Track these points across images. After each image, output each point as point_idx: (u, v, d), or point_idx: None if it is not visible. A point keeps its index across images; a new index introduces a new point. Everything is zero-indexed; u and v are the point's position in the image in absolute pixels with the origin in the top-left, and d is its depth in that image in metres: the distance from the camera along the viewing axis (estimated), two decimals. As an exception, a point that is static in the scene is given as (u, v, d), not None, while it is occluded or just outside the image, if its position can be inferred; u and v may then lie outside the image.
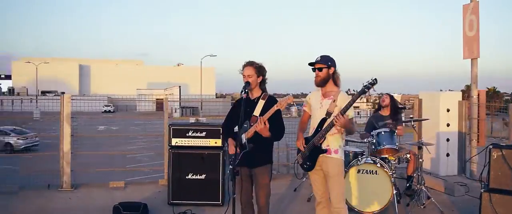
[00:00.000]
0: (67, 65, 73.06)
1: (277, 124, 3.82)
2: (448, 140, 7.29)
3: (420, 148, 5.66)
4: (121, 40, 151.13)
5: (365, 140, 5.54)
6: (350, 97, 3.67)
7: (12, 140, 18.88)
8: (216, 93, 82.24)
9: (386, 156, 5.56)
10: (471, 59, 7.39)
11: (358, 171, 5.17)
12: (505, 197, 3.79)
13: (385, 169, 5.13)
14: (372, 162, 5.18)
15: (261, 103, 3.90)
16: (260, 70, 3.96)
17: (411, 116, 6.58)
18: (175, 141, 5.49)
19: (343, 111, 3.53)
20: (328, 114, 3.70)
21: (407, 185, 5.92)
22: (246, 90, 3.86)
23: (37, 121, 20.16)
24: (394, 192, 5.11)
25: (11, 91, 63.32)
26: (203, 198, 5.43)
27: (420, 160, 5.56)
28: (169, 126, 5.59)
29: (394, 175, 5.66)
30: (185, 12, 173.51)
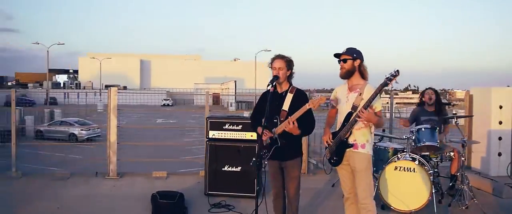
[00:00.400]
0: (129, 61, 76.76)
1: (307, 121, 3.83)
2: (500, 138, 6.87)
3: (464, 146, 5.39)
4: (179, 36, 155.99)
5: (405, 137, 5.35)
6: (369, 89, 3.62)
7: (76, 130, 20.19)
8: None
9: (427, 153, 5.39)
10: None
11: (395, 168, 5.03)
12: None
13: (424, 167, 4.95)
14: (411, 159, 5.02)
15: (289, 97, 3.93)
16: (289, 63, 3.99)
17: (454, 112, 6.28)
18: (212, 134, 5.65)
19: (366, 105, 3.47)
20: (354, 108, 3.63)
21: (450, 184, 5.66)
22: (274, 83, 3.92)
23: (101, 113, 21.50)
24: (434, 191, 4.93)
25: (77, 85, 67.53)
26: (238, 190, 5.55)
27: (462, 158, 5.29)
28: (206, 119, 5.76)
29: (437, 174, 5.49)
30: (242, 6, 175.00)
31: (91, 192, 5.82)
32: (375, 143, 5.76)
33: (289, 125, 3.69)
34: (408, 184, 4.96)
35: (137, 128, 11.42)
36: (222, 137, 5.62)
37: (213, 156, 5.62)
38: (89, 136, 20.33)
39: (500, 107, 6.86)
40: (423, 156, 5.29)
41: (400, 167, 5.02)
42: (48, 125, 21.18)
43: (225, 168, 5.58)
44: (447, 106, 6.23)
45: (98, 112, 23.30)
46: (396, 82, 3.41)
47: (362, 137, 3.71)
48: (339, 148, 3.76)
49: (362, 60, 3.76)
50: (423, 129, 5.32)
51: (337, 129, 3.80)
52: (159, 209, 4.96)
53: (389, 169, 5.05)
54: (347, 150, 3.73)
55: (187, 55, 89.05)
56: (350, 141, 3.70)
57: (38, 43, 45.15)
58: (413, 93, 58.56)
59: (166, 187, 5.68)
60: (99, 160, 7.47)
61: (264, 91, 4.15)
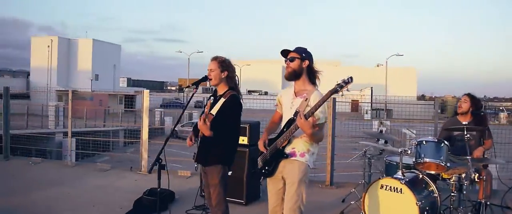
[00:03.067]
0: (271, 67, 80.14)
1: (222, 124, 3.62)
2: None
3: (485, 166, 4.27)
4: (321, 43, 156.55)
5: (400, 150, 4.47)
6: (317, 95, 3.19)
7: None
8: (417, 95, 76.82)
9: (433, 171, 4.43)
10: None
11: (381, 187, 4.27)
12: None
13: (414, 188, 4.08)
14: (399, 177, 4.19)
15: (221, 101, 3.74)
16: (222, 64, 3.79)
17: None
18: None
19: (310, 112, 3.03)
20: (297, 114, 3.19)
21: (473, 214, 4.53)
22: (199, 83, 3.79)
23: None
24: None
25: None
26: (229, 195, 5.38)
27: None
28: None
29: (453, 198, 4.44)
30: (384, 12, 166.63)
31: (111, 183, 6.39)
32: (385, 157, 5.00)
33: (200, 122, 3.54)
34: (393, 206, 4.16)
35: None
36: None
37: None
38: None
39: None
40: (431, 175, 4.38)
41: (387, 186, 4.24)
42: (181, 125, 23.61)
43: (218, 171, 5.48)
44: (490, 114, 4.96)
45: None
46: (348, 90, 2.99)
47: (302, 145, 3.27)
48: (274, 157, 3.34)
49: (311, 62, 3.37)
50: (424, 142, 4.38)
51: (277, 134, 3.42)
52: (140, 203, 5.21)
53: (374, 187, 4.31)
54: (283, 160, 3.30)
55: (328, 60, 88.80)
56: (287, 150, 3.28)
57: (181, 52, 50.51)
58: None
59: (179, 186, 5.93)
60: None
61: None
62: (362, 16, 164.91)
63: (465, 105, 4.93)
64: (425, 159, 4.32)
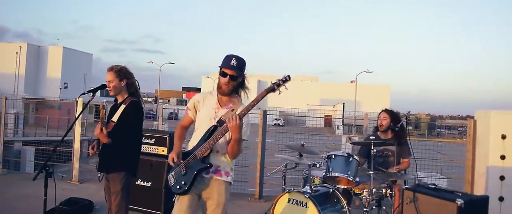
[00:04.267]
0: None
1: (123, 130, 3.57)
2: (502, 178, 5.30)
3: (394, 181, 4.29)
4: (298, 58, 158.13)
5: (309, 163, 4.47)
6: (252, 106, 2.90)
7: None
8: (391, 112, 78.31)
9: (344, 186, 4.43)
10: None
11: (289, 201, 4.24)
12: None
13: (315, 203, 4.05)
14: (304, 191, 4.17)
15: (121, 108, 3.69)
16: (119, 73, 3.73)
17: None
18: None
19: (243, 113, 2.74)
20: (221, 122, 2.90)
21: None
22: (95, 91, 3.71)
23: None
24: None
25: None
26: (147, 205, 5.29)
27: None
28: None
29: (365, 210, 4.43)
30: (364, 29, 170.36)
31: (36, 193, 6.16)
32: (304, 171, 4.98)
33: (97, 130, 3.47)
34: (298, 221, 4.13)
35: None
36: (138, 150, 5.43)
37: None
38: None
39: (503, 137, 5.32)
40: (346, 190, 4.38)
41: (293, 200, 4.21)
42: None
43: (138, 182, 5.36)
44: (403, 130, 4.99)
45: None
46: (286, 88, 2.71)
47: (226, 164, 3.00)
48: (192, 169, 2.90)
49: (245, 75, 3.06)
50: (333, 156, 4.39)
51: (190, 148, 3.01)
52: (53, 212, 5.00)
53: (282, 200, 4.28)
54: (205, 175, 2.95)
55: (305, 76, 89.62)
56: (217, 169, 2.96)
57: (152, 63, 50.17)
58: None
59: (100, 196, 5.65)
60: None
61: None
62: (342, 32, 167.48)
63: (385, 122, 4.97)
64: (332, 173, 4.33)
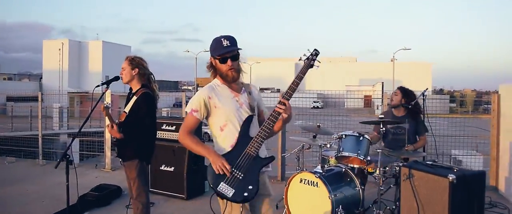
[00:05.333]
0: (284, 65, 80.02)
1: (135, 121, 3.77)
2: (527, 153, 5.15)
3: (406, 159, 4.27)
4: (336, 39, 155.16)
5: (320, 144, 4.53)
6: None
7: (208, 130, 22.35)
8: (433, 89, 75.93)
9: (355, 165, 4.46)
10: None
11: (301, 181, 4.33)
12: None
13: (325, 183, 4.12)
14: (315, 171, 4.24)
15: (133, 99, 3.87)
16: (132, 62, 3.92)
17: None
18: (155, 133, 5.79)
19: (289, 95, 2.56)
20: (253, 109, 2.75)
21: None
22: (109, 83, 3.91)
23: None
24: (341, 212, 4.06)
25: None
26: (171, 189, 5.55)
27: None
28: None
29: (381, 191, 4.45)
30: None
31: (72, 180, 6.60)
32: (323, 151, 5.03)
33: (109, 128, 3.69)
34: (310, 199, 4.22)
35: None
36: (160, 137, 5.67)
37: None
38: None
39: (527, 111, 5.14)
40: (354, 169, 4.41)
41: (305, 180, 4.29)
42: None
43: (162, 167, 5.62)
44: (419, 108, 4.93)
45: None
46: (319, 62, 2.57)
47: (266, 152, 2.77)
48: (254, 169, 2.56)
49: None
50: (344, 136, 4.42)
51: (227, 145, 2.66)
52: (84, 198, 5.37)
53: (295, 180, 4.37)
54: (262, 170, 2.64)
55: (343, 57, 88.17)
56: (263, 155, 2.67)
57: (188, 51, 51.02)
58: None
59: None
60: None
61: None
62: (379, 10, 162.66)
63: (396, 99, 4.94)
64: (343, 152, 4.37)
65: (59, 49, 47.62)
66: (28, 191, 6.06)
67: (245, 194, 2.49)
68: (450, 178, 2.46)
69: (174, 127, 5.60)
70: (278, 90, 57.36)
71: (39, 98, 7.92)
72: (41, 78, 50.15)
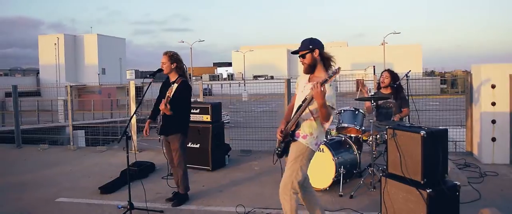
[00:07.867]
0: (277, 51, 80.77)
1: (178, 103, 4.73)
2: (493, 121, 6.22)
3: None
4: (326, 24, 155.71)
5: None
6: (334, 84, 3.47)
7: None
8: (425, 71, 77.17)
9: (352, 134, 5.50)
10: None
11: (309, 148, 5.36)
12: None
13: (329, 148, 5.16)
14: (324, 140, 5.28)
15: (174, 86, 4.84)
16: (172, 58, 4.88)
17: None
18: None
19: (322, 81, 3.18)
20: (305, 100, 3.41)
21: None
22: (154, 74, 4.87)
23: (245, 102, 23.66)
24: (343, 172, 5.10)
25: (230, 76, 74.43)
26: (198, 163, 6.55)
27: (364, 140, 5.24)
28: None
29: (374, 154, 5.50)
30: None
31: (106, 161, 7.60)
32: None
33: (162, 105, 4.64)
34: (318, 164, 5.24)
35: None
36: (188, 119, 6.65)
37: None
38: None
39: (493, 86, 6.20)
40: (352, 137, 5.45)
41: (312, 147, 5.32)
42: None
43: (189, 145, 6.61)
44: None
45: (243, 101, 25.63)
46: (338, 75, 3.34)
47: (306, 128, 3.50)
48: (286, 140, 3.59)
49: (321, 49, 3.53)
50: (343, 111, 5.46)
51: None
52: (125, 172, 6.34)
53: (304, 148, 5.40)
54: (292, 142, 3.57)
55: (334, 41, 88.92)
56: (296, 133, 3.54)
57: (183, 42, 51.66)
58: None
59: (160, 160, 7.02)
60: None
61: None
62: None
63: (387, 80, 5.95)
64: (342, 124, 5.40)
65: (55, 43, 48.16)
66: (72, 170, 7.03)
67: (277, 151, 3.70)
68: (422, 133, 3.46)
69: (198, 109, 6.58)
70: (272, 77, 58.28)
71: (68, 91, 8.83)
72: (38, 73, 50.67)
